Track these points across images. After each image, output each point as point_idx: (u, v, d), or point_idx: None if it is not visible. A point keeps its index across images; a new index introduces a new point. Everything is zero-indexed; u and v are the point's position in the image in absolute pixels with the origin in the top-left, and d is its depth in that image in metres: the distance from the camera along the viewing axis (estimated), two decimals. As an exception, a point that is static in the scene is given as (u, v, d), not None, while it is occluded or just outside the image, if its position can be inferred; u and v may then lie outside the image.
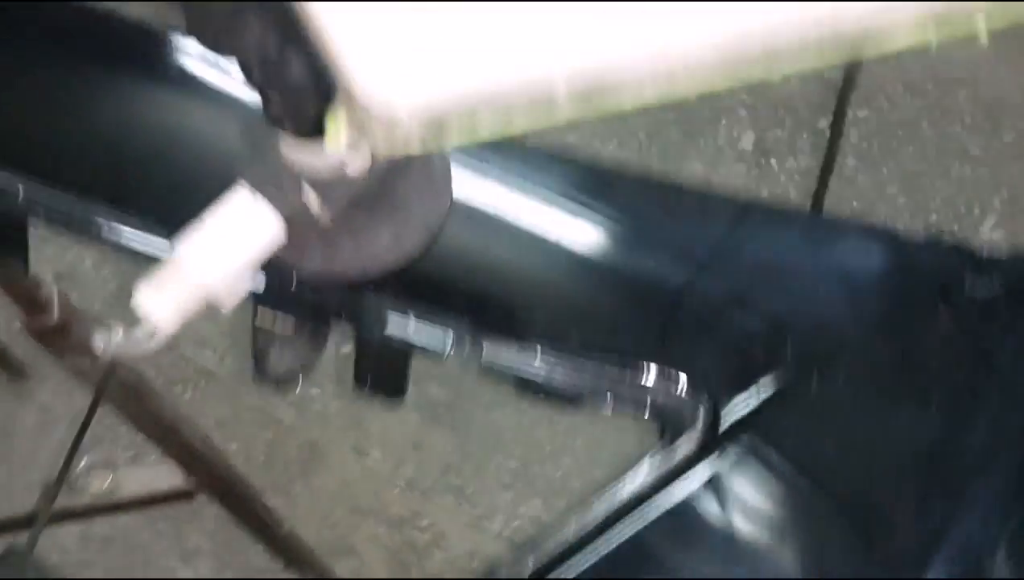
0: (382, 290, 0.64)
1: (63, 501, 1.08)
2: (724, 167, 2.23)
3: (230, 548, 1.94)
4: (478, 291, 0.64)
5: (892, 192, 2.17)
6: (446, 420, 2.06)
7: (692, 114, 2.30)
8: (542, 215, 0.66)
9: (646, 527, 0.57)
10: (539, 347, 0.62)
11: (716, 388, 0.59)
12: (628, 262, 0.64)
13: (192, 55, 0.70)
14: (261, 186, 0.58)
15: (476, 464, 2.01)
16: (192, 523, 1.93)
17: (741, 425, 0.58)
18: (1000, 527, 0.57)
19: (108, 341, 0.92)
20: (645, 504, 0.57)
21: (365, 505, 1.98)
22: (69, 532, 1.75)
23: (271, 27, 0.50)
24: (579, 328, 0.62)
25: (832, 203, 2.15)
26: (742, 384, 0.59)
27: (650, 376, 0.60)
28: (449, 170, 0.65)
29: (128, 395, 0.94)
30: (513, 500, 1.97)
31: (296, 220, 0.58)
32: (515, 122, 0.44)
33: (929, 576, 0.55)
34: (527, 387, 0.63)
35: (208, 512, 1.92)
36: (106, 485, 1.05)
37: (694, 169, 2.23)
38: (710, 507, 0.58)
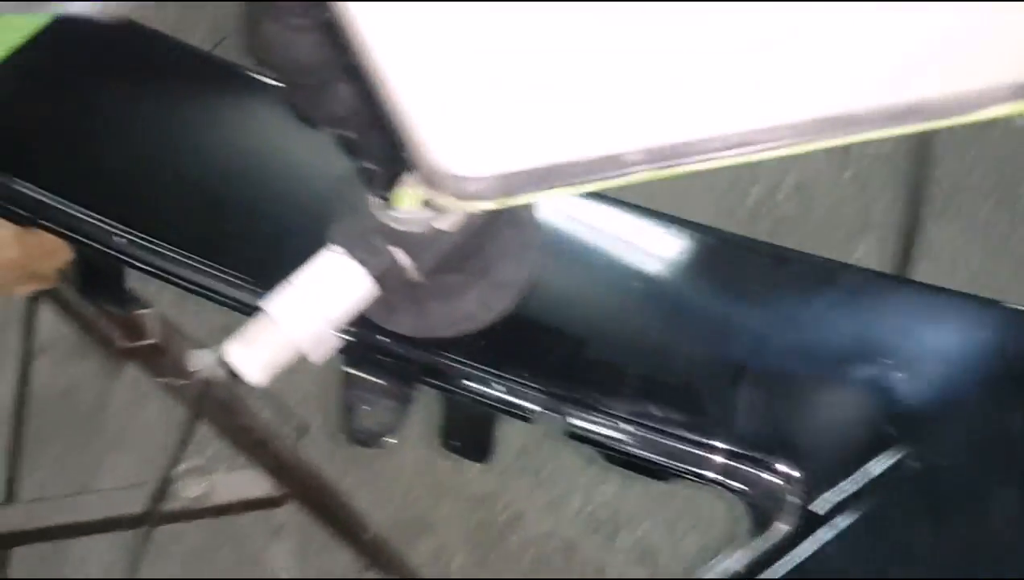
0: (469, 350, 0.64)
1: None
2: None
3: (314, 525, 2.00)
4: (566, 354, 0.63)
5: (978, 176, 2.09)
6: (524, 400, 2.07)
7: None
8: (632, 277, 0.65)
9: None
10: (627, 418, 0.61)
11: (812, 472, 0.58)
12: (720, 333, 0.63)
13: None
14: (352, 245, 0.58)
15: (553, 445, 2.02)
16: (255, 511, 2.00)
17: (836, 508, 0.57)
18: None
19: (202, 362, 0.95)
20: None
21: (444, 484, 2.01)
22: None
23: (358, 103, 0.50)
24: (669, 399, 0.61)
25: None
26: (840, 467, 0.57)
27: (742, 458, 0.59)
28: (538, 230, 0.64)
29: (221, 411, 0.96)
30: (590, 481, 1.98)
31: (387, 278, 0.59)
32: (585, 187, 0.44)
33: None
34: (613, 457, 0.62)
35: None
36: (200, 491, 1.09)
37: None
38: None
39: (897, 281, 0.62)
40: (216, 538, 1.95)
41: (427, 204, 0.55)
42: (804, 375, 0.61)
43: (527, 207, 0.64)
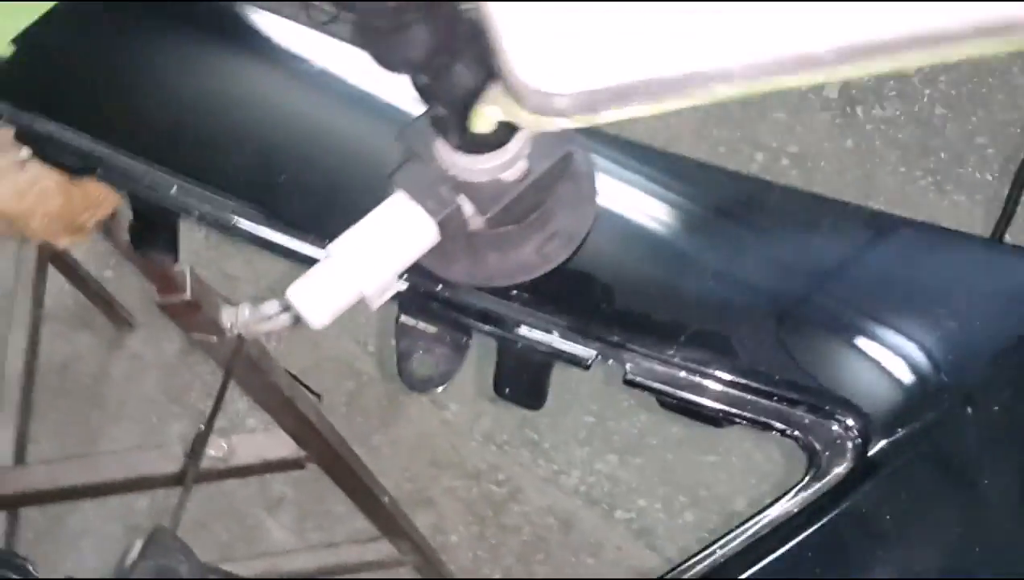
0: (526, 298, 0.64)
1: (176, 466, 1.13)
2: (808, 115, 2.19)
3: (313, 498, 2.00)
4: (623, 303, 0.64)
5: (981, 142, 2.11)
6: (523, 375, 2.08)
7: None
8: (686, 228, 0.66)
9: (789, 554, 0.58)
10: (683, 365, 0.62)
11: (867, 419, 0.59)
12: (776, 283, 0.64)
13: (348, 60, 0.71)
14: (419, 191, 0.59)
15: (552, 419, 2.03)
16: (277, 473, 2.00)
17: (892, 454, 0.58)
18: None
19: (236, 319, 0.95)
20: (789, 534, 0.58)
21: (443, 458, 2.02)
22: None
23: (436, 41, 0.51)
24: (725, 346, 0.62)
25: (918, 154, 2.11)
26: (896, 415, 0.59)
27: (799, 404, 0.60)
28: (594, 181, 0.65)
29: (250, 369, 0.97)
30: (589, 455, 2.00)
31: (448, 225, 0.59)
32: (667, 105, 0.45)
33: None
34: (669, 404, 0.63)
35: (292, 461, 1.98)
36: (222, 452, 1.09)
37: (777, 117, 2.19)
38: (853, 535, 0.59)
39: (948, 234, 0.63)
40: (213, 511, 1.94)
41: (504, 125, 0.55)
42: (859, 324, 0.62)
43: (585, 161, 0.65)
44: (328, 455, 1.13)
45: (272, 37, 0.72)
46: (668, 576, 0.58)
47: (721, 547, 0.59)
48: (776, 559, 0.57)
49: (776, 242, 0.64)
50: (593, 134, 0.66)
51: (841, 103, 2.21)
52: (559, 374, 2.20)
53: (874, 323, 0.62)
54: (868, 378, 0.60)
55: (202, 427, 1.09)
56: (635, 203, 0.66)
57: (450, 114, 0.55)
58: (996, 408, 0.59)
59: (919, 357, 0.60)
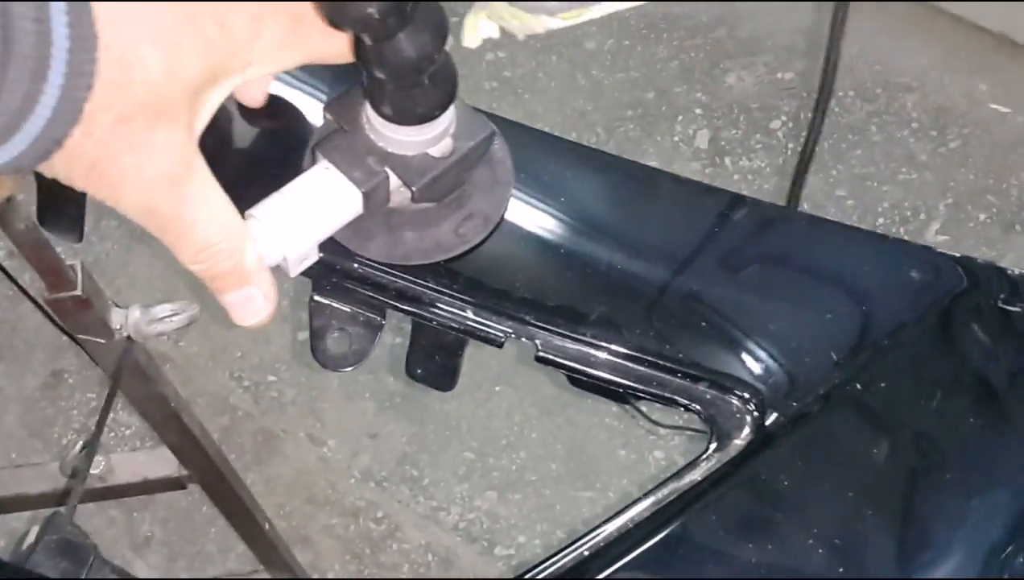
0: (442, 277, 0.66)
1: (55, 484, 1.07)
2: (679, 164, 2.29)
3: (182, 537, 1.92)
4: (535, 284, 0.66)
5: (841, 194, 2.26)
6: (402, 410, 2.08)
7: (650, 110, 2.37)
8: (597, 215, 0.69)
9: (695, 516, 0.60)
10: (592, 343, 0.64)
11: (763, 394, 0.63)
12: (681, 266, 0.67)
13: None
14: (344, 161, 0.59)
15: (432, 455, 2.03)
16: (145, 511, 1.92)
17: (786, 426, 0.62)
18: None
19: (125, 320, 0.92)
20: (695, 499, 0.60)
21: (320, 495, 1.98)
22: (20, 517, 1.71)
23: (388, 7, 0.51)
24: (633, 325, 0.65)
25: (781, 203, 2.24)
26: (789, 391, 0.63)
27: (702, 380, 0.63)
28: (510, 168, 0.67)
29: (137, 375, 0.94)
30: (468, 492, 2.00)
31: (373, 198, 0.60)
32: None
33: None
34: (578, 380, 0.65)
35: (161, 500, 1.91)
36: (99, 470, 1.04)
37: (650, 165, 2.30)
38: (753, 498, 0.62)
39: (844, 227, 0.69)
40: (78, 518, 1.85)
41: (436, 98, 0.57)
42: (758, 305, 0.66)
43: (502, 148, 0.67)
44: (211, 474, 1.10)
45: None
46: (579, 540, 0.59)
47: (632, 513, 0.61)
48: (684, 522, 0.60)
49: (683, 230, 0.68)
50: (509, 124, 0.69)
51: (711, 153, 2.33)
52: (438, 410, 2.20)
53: (770, 308, 0.66)
54: (764, 358, 0.64)
55: (79, 442, 1.04)
56: (547, 190, 0.69)
57: (388, 80, 0.56)
58: (883, 385, 0.63)
59: (811, 339, 0.65)
